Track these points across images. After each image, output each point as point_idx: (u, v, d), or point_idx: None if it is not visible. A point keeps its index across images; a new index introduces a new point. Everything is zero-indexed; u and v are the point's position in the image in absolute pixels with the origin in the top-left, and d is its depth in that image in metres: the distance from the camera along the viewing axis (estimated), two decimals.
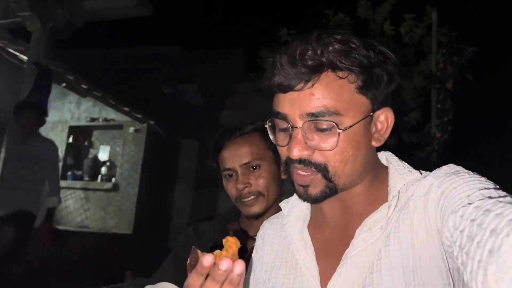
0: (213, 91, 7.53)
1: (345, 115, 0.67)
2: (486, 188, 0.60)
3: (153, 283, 1.20)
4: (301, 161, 0.70)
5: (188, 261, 1.23)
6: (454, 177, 0.66)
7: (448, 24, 4.70)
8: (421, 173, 0.74)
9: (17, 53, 5.33)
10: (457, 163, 0.73)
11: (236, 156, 1.18)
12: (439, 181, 0.67)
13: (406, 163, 0.78)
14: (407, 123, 4.89)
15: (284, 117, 0.71)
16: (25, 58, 5.04)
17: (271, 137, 0.76)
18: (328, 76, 0.67)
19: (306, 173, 0.71)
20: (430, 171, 0.74)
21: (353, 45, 0.68)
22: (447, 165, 0.71)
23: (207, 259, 0.61)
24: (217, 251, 0.64)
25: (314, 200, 0.73)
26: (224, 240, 0.64)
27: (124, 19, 5.44)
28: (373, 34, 5.09)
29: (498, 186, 0.62)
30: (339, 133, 0.67)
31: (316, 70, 0.67)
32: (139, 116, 6.65)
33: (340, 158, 0.69)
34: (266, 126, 0.76)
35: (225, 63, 7.75)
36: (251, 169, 1.18)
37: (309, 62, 0.66)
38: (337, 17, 5.28)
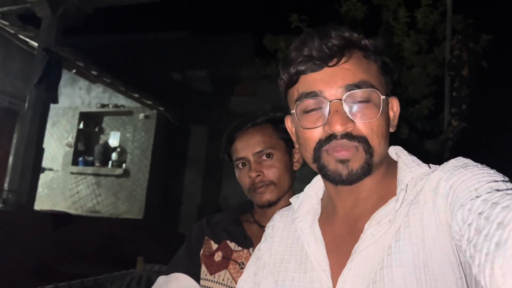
0: (223, 77, 7.51)
1: (377, 89, 0.70)
2: (494, 181, 0.59)
3: (167, 273, 1.21)
4: (343, 135, 0.68)
5: (202, 252, 1.23)
6: (463, 170, 0.65)
7: (463, 9, 4.59)
8: (429, 167, 0.74)
9: (27, 40, 5.36)
10: (471, 152, 0.72)
11: (249, 145, 1.20)
12: (447, 175, 0.67)
13: (415, 157, 0.78)
14: (419, 110, 4.82)
15: (318, 95, 0.70)
16: (35, 44, 5.07)
17: (297, 123, 0.73)
18: (357, 54, 0.71)
19: (348, 148, 0.69)
20: (444, 160, 0.73)
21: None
22: (456, 158, 0.70)
23: None
24: None
25: (353, 178, 0.70)
26: None
27: (134, 5, 5.42)
28: (387, 19, 4.99)
29: (507, 179, 0.61)
30: (382, 99, 0.69)
31: (348, 46, 0.70)
32: (149, 102, 6.68)
33: (377, 132, 0.70)
34: (293, 111, 0.73)
35: (235, 49, 7.71)
36: (264, 157, 1.19)
37: (340, 40, 0.70)
38: (349, 2, 5.18)
